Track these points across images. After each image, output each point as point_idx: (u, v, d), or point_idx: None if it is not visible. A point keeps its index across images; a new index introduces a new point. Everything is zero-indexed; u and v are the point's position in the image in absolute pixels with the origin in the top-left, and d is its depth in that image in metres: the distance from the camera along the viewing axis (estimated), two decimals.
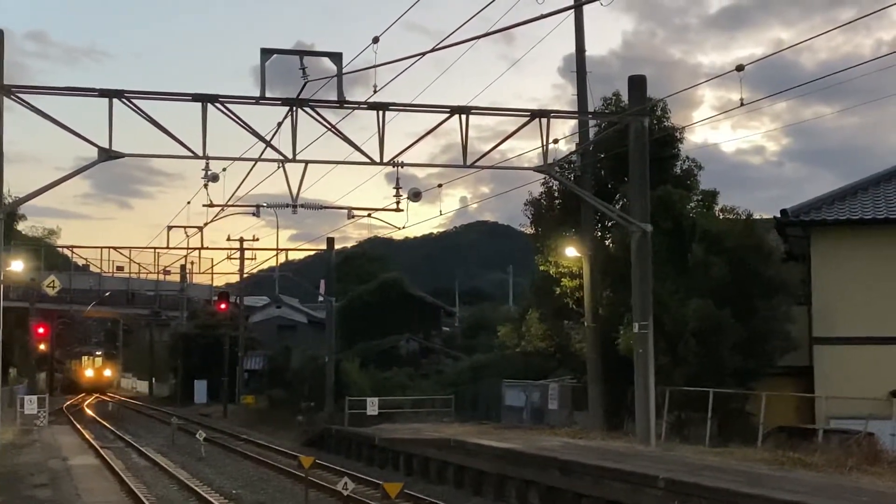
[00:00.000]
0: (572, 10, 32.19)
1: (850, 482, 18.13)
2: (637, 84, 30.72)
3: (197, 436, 37.59)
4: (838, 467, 20.30)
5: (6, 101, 26.95)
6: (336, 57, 26.34)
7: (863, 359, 31.40)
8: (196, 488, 26.16)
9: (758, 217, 36.43)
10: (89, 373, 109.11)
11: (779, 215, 33.96)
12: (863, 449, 22.31)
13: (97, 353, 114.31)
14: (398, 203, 31.77)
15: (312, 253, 66.88)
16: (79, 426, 49.18)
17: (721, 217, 35.06)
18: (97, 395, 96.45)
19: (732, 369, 31.66)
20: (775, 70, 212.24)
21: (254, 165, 31.05)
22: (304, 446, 40.04)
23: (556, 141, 30.79)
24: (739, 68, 23.30)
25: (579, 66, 34.48)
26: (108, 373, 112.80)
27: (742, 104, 24.96)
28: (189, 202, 47.36)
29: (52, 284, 41.51)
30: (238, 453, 37.77)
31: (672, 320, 30.97)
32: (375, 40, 24.14)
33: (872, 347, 31.62)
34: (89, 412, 66.03)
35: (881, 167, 36.67)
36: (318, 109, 27.31)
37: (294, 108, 26.95)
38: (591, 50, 36.62)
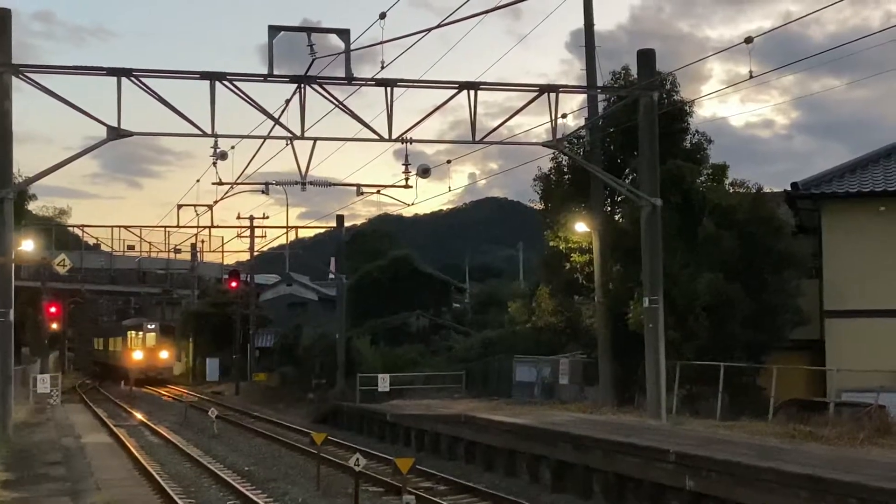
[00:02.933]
0: None
1: (862, 455, 18.12)
2: (646, 58, 30.60)
3: (209, 413, 37.71)
4: (850, 440, 20.30)
5: (14, 80, 26.99)
6: (343, 33, 26.26)
7: (874, 332, 31.38)
8: (209, 465, 26.24)
9: (768, 191, 36.36)
10: (138, 355, 75.66)
11: (789, 189, 33.89)
12: (874, 421, 22.30)
13: (150, 324, 78.68)
14: (407, 180, 31.82)
15: (322, 230, 66.96)
16: (91, 405, 49.35)
17: (731, 191, 34.98)
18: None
19: (743, 343, 31.67)
20: (784, 43, 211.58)
21: (262, 143, 31.05)
22: (316, 423, 40.15)
23: (564, 116, 30.70)
24: (748, 40, 23.21)
25: (588, 40, 34.31)
26: (164, 355, 77.99)
27: (751, 76, 24.81)
28: (198, 180, 47.23)
29: (62, 263, 41.49)
30: (250, 430, 37.89)
31: (682, 295, 30.94)
32: (382, 16, 24.11)
33: (884, 320, 31.59)
34: (105, 393, 66.23)
35: (891, 139, 36.61)
36: (326, 86, 27.27)
37: (302, 86, 26.91)
38: (598, 24, 36.58)
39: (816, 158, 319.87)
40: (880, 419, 22.69)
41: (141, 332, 77.09)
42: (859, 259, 32.42)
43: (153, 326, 78.30)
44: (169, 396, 61.26)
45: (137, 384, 68.07)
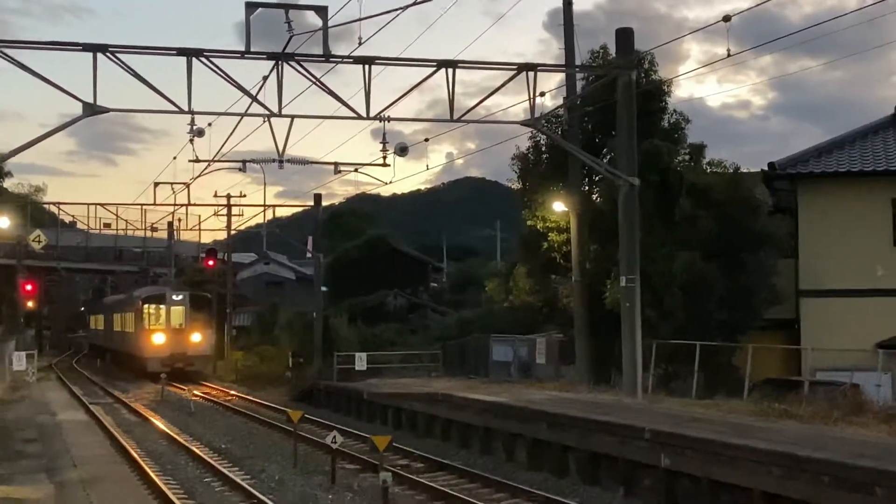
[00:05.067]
0: None
1: (836, 433, 18.26)
2: (624, 37, 30.63)
3: (186, 391, 37.69)
4: (824, 418, 20.43)
5: None
6: (321, 10, 26.12)
7: (849, 311, 31.60)
8: (186, 443, 26.26)
9: (745, 171, 36.49)
10: (159, 338, 54.03)
11: (766, 169, 34.04)
12: (848, 400, 22.46)
13: (176, 295, 56.14)
14: (385, 158, 31.78)
15: (300, 209, 66.83)
16: (67, 382, 49.24)
17: (708, 171, 35.13)
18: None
19: (719, 322, 31.85)
20: (761, 24, 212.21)
21: (240, 121, 30.96)
22: (294, 401, 40.16)
23: (542, 94, 30.66)
24: (726, 18, 23.31)
25: (566, 18, 34.31)
26: (196, 337, 55.38)
27: (729, 55, 24.90)
28: (175, 158, 47.37)
29: (38, 239, 41.45)
30: (227, 408, 37.88)
31: (659, 274, 31.07)
32: None
33: (858, 300, 31.82)
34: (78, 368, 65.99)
35: (867, 120, 36.83)
36: (303, 64, 27.15)
37: (279, 63, 26.81)
38: (576, 4, 36.60)
39: (793, 139, 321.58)
40: (854, 398, 22.86)
41: (163, 306, 54.56)
42: (835, 239, 32.62)
43: (181, 297, 55.27)
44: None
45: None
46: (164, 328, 53.83)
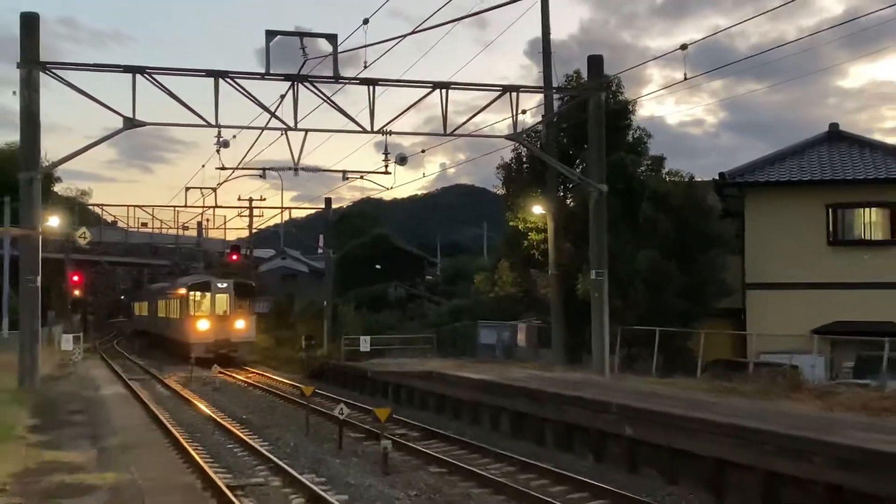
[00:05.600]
0: None
1: (776, 407, 18.25)
2: (595, 63, 30.64)
3: (212, 369, 37.58)
4: (766, 395, 20.42)
5: (42, 76, 26.73)
6: (331, 38, 26.18)
7: (788, 301, 31.66)
8: (212, 414, 26.18)
9: (699, 180, 36.56)
10: (203, 325, 48.69)
11: (717, 178, 34.08)
12: (787, 379, 22.44)
13: (221, 283, 50.59)
14: (387, 167, 31.83)
15: (312, 211, 66.59)
16: (109, 361, 49.07)
17: (667, 179, 35.12)
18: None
19: (676, 311, 31.86)
20: (713, 52, 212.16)
21: (260, 134, 30.96)
22: (306, 378, 40.04)
23: (523, 112, 30.74)
24: (683, 47, 23.34)
25: (545, 47, 34.28)
26: (240, 324, 49.66)
27: (685, 79, 24.93)
28: (203, 166, 47.56)
29: (83, 235, 41.24)
30: (248, 384, 37.77)
31: (624, 269, 31.11)
32: (366, 21, 24.06)
33: (796, 291, 31.88)
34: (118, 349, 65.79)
35: (805, 136, 36.87)
36: (316, 84, 27.18)
37: (295, 83, 26.82)
38: (553, 34, 36.50)
39: (740, 153, 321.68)
40: (793, 377, 22.84)
41: (208, 294, 49.51)
42: (776, 238, 32.67)
43: (225, 285, 49.86)
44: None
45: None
46: (209, 315, 48.64)
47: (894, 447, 12.60)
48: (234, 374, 40.68)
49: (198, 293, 49.44)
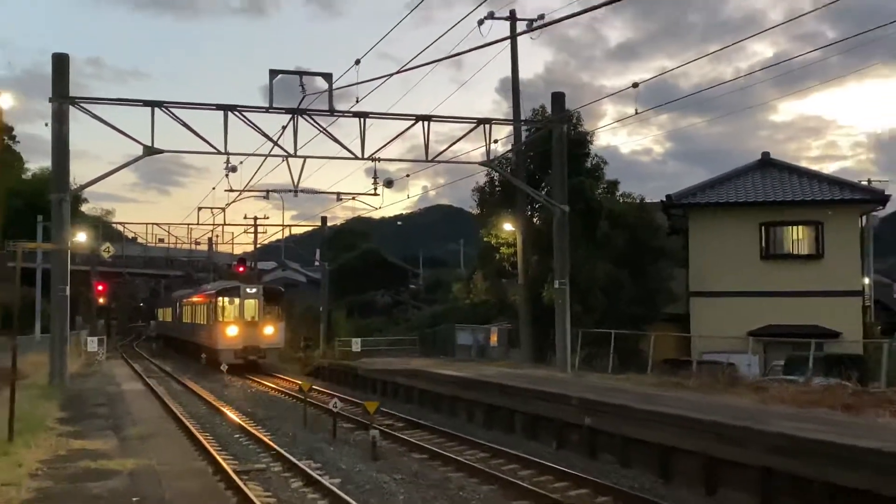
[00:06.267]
0: (509, 39, 32.15)
1: (717, 400, 18.30)
2: (558, 99, 30.80)
3: (221, 368, 37.36)
4: (708, 389, 20.48)
5: (71, 109, 26.62)
6: (327, 76, 26.18)
7: (726, 307, 31.86)
8: (221, 407, 26.04)
9: (648, 201, 36.77)
10: (232, 331, 42.35)
11: (664, 200, 34.25)
12: (726, 376, 22.54)
13: (250, 288, 44.37)
14: (375, 189, 31.90)
15: (310, 228, 66.50)
16: (129, 361, 48.74)
17: (621, 201, 35.35)
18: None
19: (629, 316, 32.02)
20: (661, 90, 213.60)
21: (264, 160, 30.83)
22: (304, 376, 39.85)
23: (496, 141, 30.81)
24: (635, 85, 23.47)
25: (514, 84, 34.41)
26: (268, 330, 43.14)
27: (636, 113, 25.14)
28: (214, 188, 47.40)
29: (107, 249, 41.13)
30: (253, 381, 37.55)
31: (584, 279, 31.20)
32: (357, 62, 24.10)
33: (733, 299, 32.10)
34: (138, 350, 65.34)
35: (740, 164, 37.17)
36: (313, 117, 27.15)
37: (295, 116, 26.79)
38: (521, 74, 36.63)
39: (684, 178, 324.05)
40: (731, 374, 22.96)
41: (237, 299, 43.28)
42: (715, 252, 32.90)
43: (254, 290, 43.72)
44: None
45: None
46: (238, 320, 42.52)
47: (817, 434, 12.68)
48: (241, 372, 40.38)
49: (226, 298, 43.34)
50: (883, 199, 33.72)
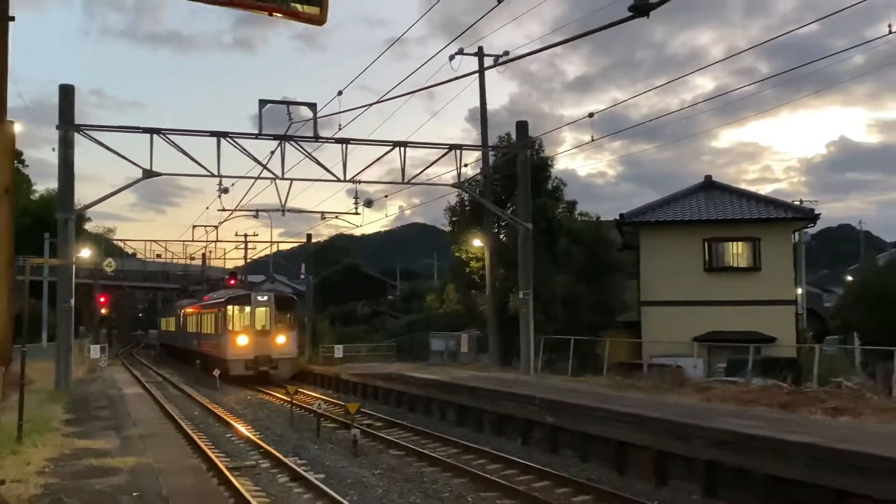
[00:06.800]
0: (478, 73, 32.30)
1: (666, 400, 18.42)
2: (522, 127, 30.96)
3: (214, 373, 37.01)
4: (658, 390, 20.63)
5: (77, 136, 26.42)
6: (312, 106, 26.16)
7: (673, 316, 32.01)
8: (213, 409, 25.82)
9: (604, 220, 36.96)
10: (242, 340, 36.52)
11: (618, 218, 34.45)
12: (674, 377, 22.71)
13: (261, 295, 38.45)
14: (356, 209, 31.81)
15: (296, 245, 66.19)
16: (129, 367, 48.21)
17: (579, 219, 35.51)
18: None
19: (587, 324, 32.12)
20: (614, 119, 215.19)
21: (254, 182, 30.69)
22: (291, 380, 39.59)
23: (466, 165, 30.92)
24: (591, 115, 23.60)
25: (482, 113, 34.53)
26: (281, 339, 37.01)
27: (592, 140, 25.29)
28: (207, 208, 47.36)
29: (109, 264, 40.73)
30: (243, 385, 37.22)
31: (546, 290, 31.30)
32: (340, 93, 24.10)
33: (679, 307, 32.25)
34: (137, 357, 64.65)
35: (685, 185, 37.46)
36: (299, 143, 27.11)
37: (282, 142, 26.75)
38: (488, 104, 36.79)
39: (635, 198, 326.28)
40: (678, 376, 23.13)
41: (247, 307, 37.41)
42: (664, 266, 33.07)
43: (265, 298, 37.90)
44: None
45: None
46: (248, 330, 36.77)
47: (756, 430, 12.79)
48: (232, 378, 40.05)
49: (236, 307, 37.50)
50: (813, 217, 34.16)
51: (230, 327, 36.83)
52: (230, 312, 37.29)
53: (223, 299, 38.92)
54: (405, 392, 26.66)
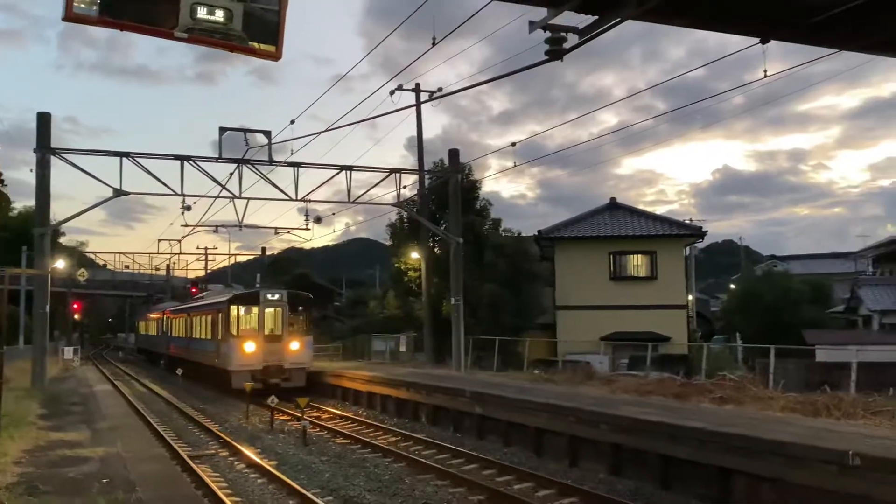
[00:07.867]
0: (415, 107, 32.37)
1: (577, 391, 18.62)
2: (453, 154, 31.08)
3: (177, 372, 36.11)
4: (570, 383, 20.83)
5: (52, 158, 25.63)
6: (267, 133, 25.84)
7: (583, 318, 32.42)
8: (176, 403, 25.20)
9: (524, 235, 37.30)
10: (249, 347, 26.18)
11: (536, 234, 34.83)
12: (584, 371, 22.96)
13: (272, 294, 27.03)
14: (307, 225, 31.49)
15: (252, 257, 65.24)
16: (99, 367, 46.76)
17: (503, 235, 35.74)
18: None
19: (510, 325, 32.32)
20: (533, 148, 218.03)
21: (214, 200, 30.11)
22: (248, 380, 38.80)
23: (404, 187, 30.87)
24: (513, 144, 23.99)
25: (419, 141, 34.59)
26: (294, 346, 26.62)
27: (514, 166, 25.62)
28: (171, 224, 46.26)
29: (82, 274, 39.59)
30: (204, 384, 36.40)
31: (474, 297, 31.41)
32: (292, 122, 24.35)
33: (589, 311, 32.70)
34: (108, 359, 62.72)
35: (594, 206, 38.11)
36: (255, 166, 26.72)
37: (240, 165, 26.33)
38: (424, 134, 36.87)
39: (551, 217, 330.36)
40: (587, 370, 23.39)
41: (255, 308, 27.37)
42: (575, 275, 33.52)
43: (277, 297, 27.66)
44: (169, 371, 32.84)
45: (158, 364, 27.77)
46: (256, 335, 27.15)
47: (654, 416, 13.03)
48: (194, 377, 39.13)
49: (242, 307, 27.75)
50: (701, 234, 35.11)
51: (234, 332, 27.31)
52: (234, 314, 27.60)
53: (225, 298, 29.51)
54: (349, 388, 26.40)
